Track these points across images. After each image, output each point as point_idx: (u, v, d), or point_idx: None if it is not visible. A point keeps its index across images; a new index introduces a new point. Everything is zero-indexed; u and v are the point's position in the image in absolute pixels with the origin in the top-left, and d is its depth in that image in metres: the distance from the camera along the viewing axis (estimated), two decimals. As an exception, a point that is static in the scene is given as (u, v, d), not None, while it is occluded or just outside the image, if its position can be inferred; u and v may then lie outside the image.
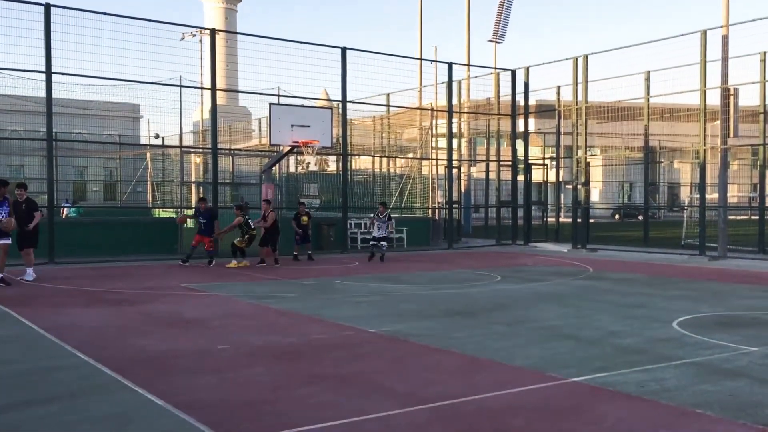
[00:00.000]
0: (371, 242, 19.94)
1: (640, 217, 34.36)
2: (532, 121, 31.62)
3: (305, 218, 19.94)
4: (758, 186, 22.59)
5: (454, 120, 27.32)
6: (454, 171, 26.70)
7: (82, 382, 6.56)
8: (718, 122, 20.81)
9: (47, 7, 17.79)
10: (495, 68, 29.11)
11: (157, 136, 32.03)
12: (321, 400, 5.94)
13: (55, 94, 18.40)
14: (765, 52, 20.65)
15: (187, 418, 5.42)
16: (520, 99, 27.08)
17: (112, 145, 34.04)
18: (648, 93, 23.49)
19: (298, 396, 6.09)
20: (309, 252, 20.03)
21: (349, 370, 7.06)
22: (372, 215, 20.65)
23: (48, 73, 17.91)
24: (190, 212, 21.41)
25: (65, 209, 29.77)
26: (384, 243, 19.62)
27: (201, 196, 22.94)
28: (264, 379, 6.71)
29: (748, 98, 21.25)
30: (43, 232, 17.90)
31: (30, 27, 17.90)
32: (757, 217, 22.18)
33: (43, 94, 18.23)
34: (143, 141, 35.71)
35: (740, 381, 6.58)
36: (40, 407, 5.76)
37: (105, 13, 18.66)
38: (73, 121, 27.77)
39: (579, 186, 24.88)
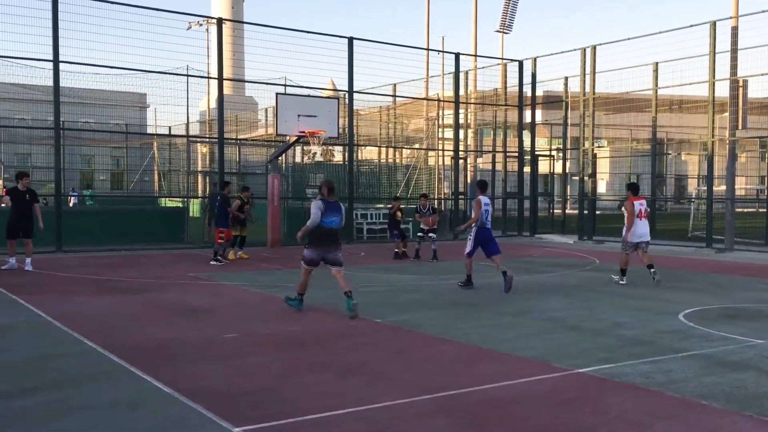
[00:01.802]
0: (418, 234, 17.87)
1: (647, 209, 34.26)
2: (539, 112, 31.50)
3: (399, 213, 18.25)
4: (766, 178, 22.48)
5: (461, 111, 27.25)
6: (461, 162, 26.65)
7: (89, 369, 6.60)
8: (727, 114, 20.71)
9: (55, -5, 17.79)
10: (502, 59, 29.01)
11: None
12: (326, 389, 5.97)
13: (62, 83, 18.42)
14: (775, 44, 20.49)
15: (193, 405, 5.45)
16: (527, 90, 26.98)
17: (118, 134, 34.07)
18: (656, 84, 23.36)
19: (303, 384, 6.12)
20: (404, 249, 17.93)
21: (354, 359, 7.09)
22: (417, 213, 17.91)
23: (55, 61, 17.92)
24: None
25: (72, 198, 29.89)
26: (432, 234, 17.28)
27: (226, 180, 19.17)
28: (269, 367, 6.74)
29: (757, 90, 21.13)
30: (50, 221, 18.02)
31: (38, 15, 17.92)
32: (765, 210, 22.08)
33: (50, 83, 18.26)
34: (150, 130, 35.73)
35: (746, 373, 6.57)
36: (48, 394, 5.80)
37: (112, 2, 18.65)
38: (81, 110, 27.79)
39: (586, 177, 24.82)
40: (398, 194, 21.03)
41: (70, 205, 28.85)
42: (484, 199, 12.25)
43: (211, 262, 15.80)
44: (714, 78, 20.48)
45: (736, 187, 21.99)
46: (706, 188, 22.71)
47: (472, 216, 12.35)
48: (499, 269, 11.98)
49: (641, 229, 13.09)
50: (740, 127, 20.27)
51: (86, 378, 6.29)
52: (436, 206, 18.92)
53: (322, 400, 5.65)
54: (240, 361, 6.92)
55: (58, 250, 17.80)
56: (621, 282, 12.93)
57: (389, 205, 18.75)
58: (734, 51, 20.04)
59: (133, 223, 20.30)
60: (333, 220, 9.56)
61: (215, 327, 8.72)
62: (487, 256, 12.31)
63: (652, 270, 12.94)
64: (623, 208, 13.38)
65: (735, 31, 19.93)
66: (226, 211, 16.12)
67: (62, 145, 20.14)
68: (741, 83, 20.12)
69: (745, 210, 35.45)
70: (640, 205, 13.13)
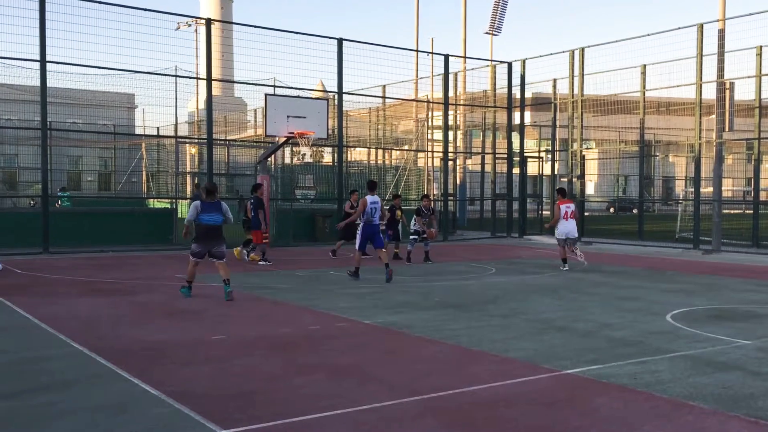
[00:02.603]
0: (412, 236, 17.50)
1: (635, 211, 34.47)
2: (528, 113, 31.63)
3: (399, 212, 17.94)
4: (752, 180, 22.66)
5: (450, 112, 27.30)
6: (450, 163, 26.70)
7: (76, 372, 6.55)
8: (714, 116, 20.85)
9: (42, -5, 17.67)
10: (491, 60, 29.10)
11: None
12: (315, 391, 5.96)
13: (49, 83, 18.30)
14: (761, 47, 20.67)
15: (181, 407, 5.43)
16: (516, 91, 27.07)
17: (106, 134, 33.89)
18: (644, 86, 23.51)
19: (292, 386, 6.10)
20: (396, 251, 17.94)
21: (344, 361, 7.08)
22: (417, 214, 17.63)
23: (42, 62, 17.80)
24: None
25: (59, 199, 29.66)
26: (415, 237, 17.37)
27: (258, 182, 18.73)
28: (258, 369, 6.72)
29: (744, 92, 21.28)
30: (37, 222, 17.94)
31: (24, 15, 17.82)
32: (751, 211, 22.26)
33: (37, 83, 18.13)
34: (138, 131, 35.57)
35: (733, 374, 6.61)
36: (35, 396, 5.76)
37: (100, 2, 18.55)
38: (68, 110, 27.64)
39: (574, 179, 24.92)
40: (427, 194, 20.41)
41: (58, 206, 28.63)
42: (371, 198, 13.65)
43: (261, 262, 16.38)
44: (701, 80, 20.62)
45: (723, 188, 22.14)
46: (693, 190, 22.85)
47: (357, 212, 14.18)
48: (382, 262, 13.34)
49: (566, 228, 15.32)
50: (727, 129, 20.40)
51: (73, 381, 6.25)
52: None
53: (311, 401, 5.63)
54: (229, 363, 6.90)
55: (45, 251, 17.68)
56: (564, 269, 15.30)
57: (386, 207, 18.53)
58: (721, 54, 20.19)
59: (121, 224, 20.19)
60: (212, 218, 10.91)
61: (203, 328, 8.69)
62: (374, 248, 13.84)
63: (565, 263, 15.37)
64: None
65: (722, 33, 20.07)
66: (259, 213, 16.39)
67: (49, 145, 19.98)
68: (728, 85, 20.26)
69: (732, 211, 35.69)
70: (566, 207, 15.27)
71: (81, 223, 19.72)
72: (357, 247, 13.79)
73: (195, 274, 11.23)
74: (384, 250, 13.67)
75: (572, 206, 15.44)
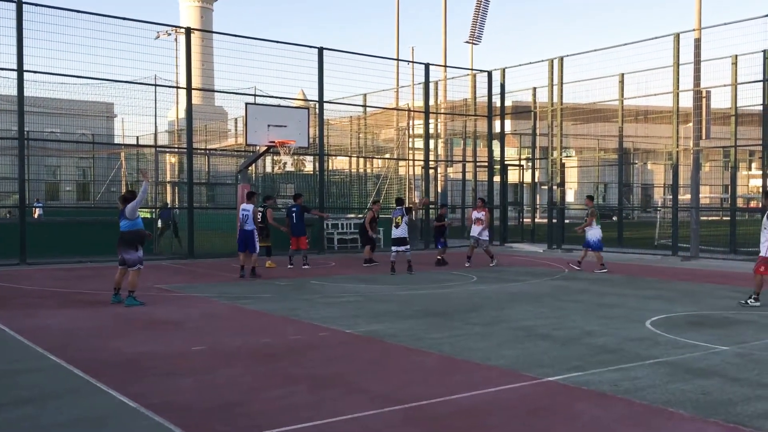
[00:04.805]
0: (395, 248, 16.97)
1: (615, 218, 34.72)
2: (508, 122, 31.77)
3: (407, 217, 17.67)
4: (729, 187, 22.93)
5: (431, 121, 27.38)
6: (431, 172, 26.76)
7: (54, 385, 6.47)
8: (691, 124, 21.10)
9: (19, 4, 17.52)
10: (471, 69, 29.24)
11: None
12: (297, 402, 5.93)
13: (27, 93, 18.12)
14: (736, 56, 20.99)
15: (161, 420, 5.37)
16: (496, 100, 27.22)
17: (85, 144, 33.59)
18: (622, 95, 23.73)
19: (273, 397, 6.07)
20: (442, 257, 19.11)
21: (325, 371, 7.05)
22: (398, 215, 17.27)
23: (20, 71, 17.63)
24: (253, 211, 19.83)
25: (37, 209, 29.33)
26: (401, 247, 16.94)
27: (297, 193, 19.89)
28: (239, 380, 6.67)
29: (720, 101, 21.58)
30: (14, 233, 17.72)
31: (1, 24, 17.62)
32: (729, 218, 22.52)
33: (14, 92, 17.94)
34: (117, 140, 35.31)
35: (712, 380, 6.67)
36: (12, 410, 5.68)
37: (78, 11, 18.44)
38: (46, 119, 27.38)
39: (554, 187, 25.08)
40: (400, 197, 20.24)
41: (35, 216, 28.31)
42: (244, 206, 15.48)
43: (304, 267, 17.31)
44: (678, 89, 20.86)
45: (700, 195, 22.39)
46: (671, 197, 23.08)
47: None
48: (243, 264, 15.11)
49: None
50: (704, 137, 20.64)
51: (51, 394, 6.16)
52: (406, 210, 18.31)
53: (293, 412, 5.60)
54: (209, 375, 6.85)
55: (22, 262, 17.46)
56: (494, 264, 18.46)
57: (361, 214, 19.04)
58: (697, 62, 20.44)
59: (100, 234, 19.97)
60: (121, 224, 11.62)
61: (184, 340, 8.62)
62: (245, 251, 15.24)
63: (469, 259, 18.67)
64: (484, 216, 19.04)
65: (698, 43, 20.34)
66: (303, 219, 17.85)
67: (27, 155, 19.76)
68: (704, 94, 20.50)
69: (710, 218, 36.11)
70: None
71: (59, 234, 19.49)
72: (239, 249, 15.44)
73: (119, 281, 11.59)
74: (245, 254, 15.20)
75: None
